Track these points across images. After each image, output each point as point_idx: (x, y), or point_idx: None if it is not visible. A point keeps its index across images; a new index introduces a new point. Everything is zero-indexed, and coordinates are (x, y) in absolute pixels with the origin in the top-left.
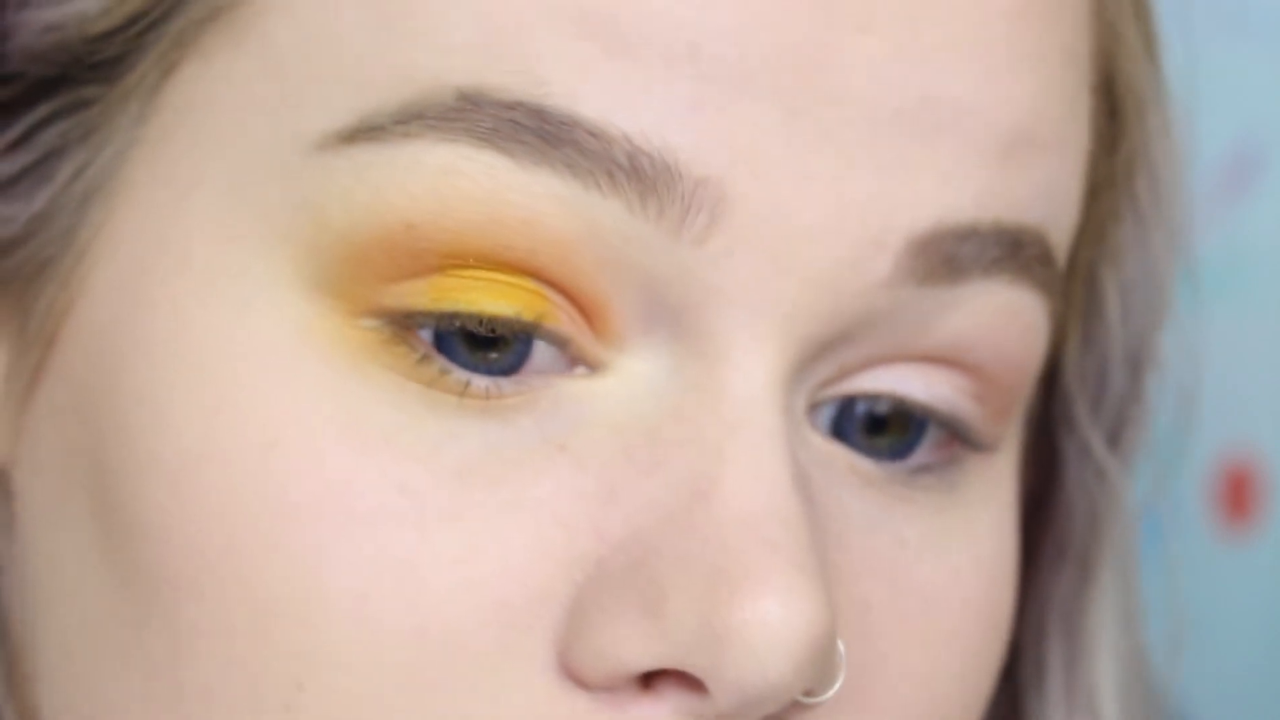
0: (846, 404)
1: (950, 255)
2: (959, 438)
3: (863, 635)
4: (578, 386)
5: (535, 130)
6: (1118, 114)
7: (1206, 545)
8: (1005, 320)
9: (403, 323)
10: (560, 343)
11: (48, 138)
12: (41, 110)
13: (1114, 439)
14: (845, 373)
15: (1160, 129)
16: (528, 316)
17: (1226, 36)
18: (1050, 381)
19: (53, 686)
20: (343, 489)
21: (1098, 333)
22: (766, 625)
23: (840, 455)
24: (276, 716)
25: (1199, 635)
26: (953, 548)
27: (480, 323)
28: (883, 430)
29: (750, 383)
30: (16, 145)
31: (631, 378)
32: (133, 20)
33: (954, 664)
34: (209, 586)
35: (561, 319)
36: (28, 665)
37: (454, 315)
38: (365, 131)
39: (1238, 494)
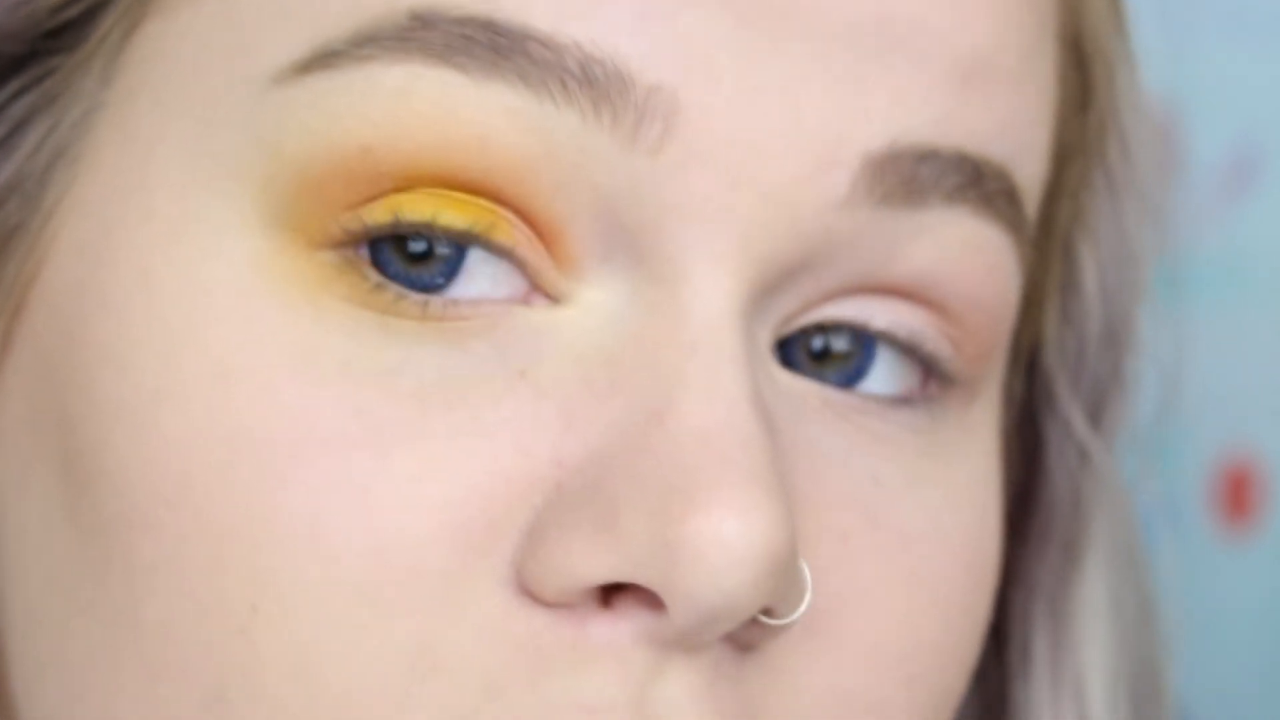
0: (800, 336)
1: (909, 176)
2: (927, 367)
3: (839, 564)
4: (538, 316)
5: (487, 43)
6: (1086, 72)
7: (1206, 545)
8: (970, 254)
9: (353, 249)
10: (518, 263)
11: (15, 111)
12: (11, 87)
13: (1095, 418)
14: (808, 305)
15: (1129, 94)
16: (478, 230)
17: (1226, 36)
18: (1032, 363)
19: (23, 654)
20: (298, 416)
21: (1075, 306)
22: (719, 536)
23: (812, 391)
24: (231, 641)
25: (1199, 635)
26: (930, 491)
27: (427, 230)
28: (828, 357)
29: (708, 304)
30: None
31: (591, 308)
32: None
33: (936, 607)
34: (166, 521)
35: (517, 237)
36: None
37: (398, 224)
38: (320, 59)
39: (1238, 494)
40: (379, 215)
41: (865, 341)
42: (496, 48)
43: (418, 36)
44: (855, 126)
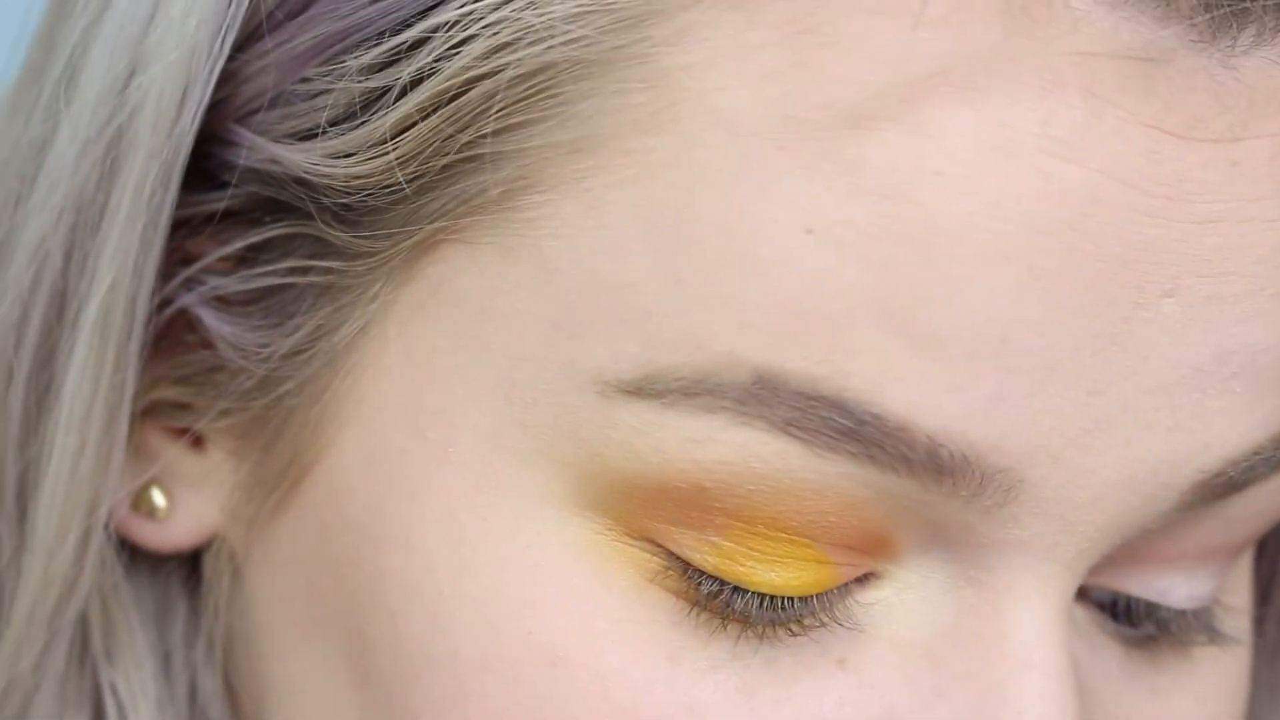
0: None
1: (1234, 481)
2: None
3: None
4: (857, 599)
5: (835, 424)
6: None
7: None
8: (1273, 501)
9: (683, 563)
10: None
11: (278, 266)
12: (268, 231)
13: None
14: (1116, 566)
15: None
16: (808, 586)
17: None
18: None
19: None
20: (631, 708)
21: None
22: None
23: (1101, 622)
24: None
25: None
26: (1197, 679)
27: (760, 591)
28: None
29: (1034, 619)
30: (241, 262)
31: (906, 588)
32: (388, 179)
33: None
34: None
35: (844, 573)
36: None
37: (735, 584)
38: (652, 391)
39: None
40: (704, 560)
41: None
42: (844, 430)
43: (761, 402)
44: (1191, 455)
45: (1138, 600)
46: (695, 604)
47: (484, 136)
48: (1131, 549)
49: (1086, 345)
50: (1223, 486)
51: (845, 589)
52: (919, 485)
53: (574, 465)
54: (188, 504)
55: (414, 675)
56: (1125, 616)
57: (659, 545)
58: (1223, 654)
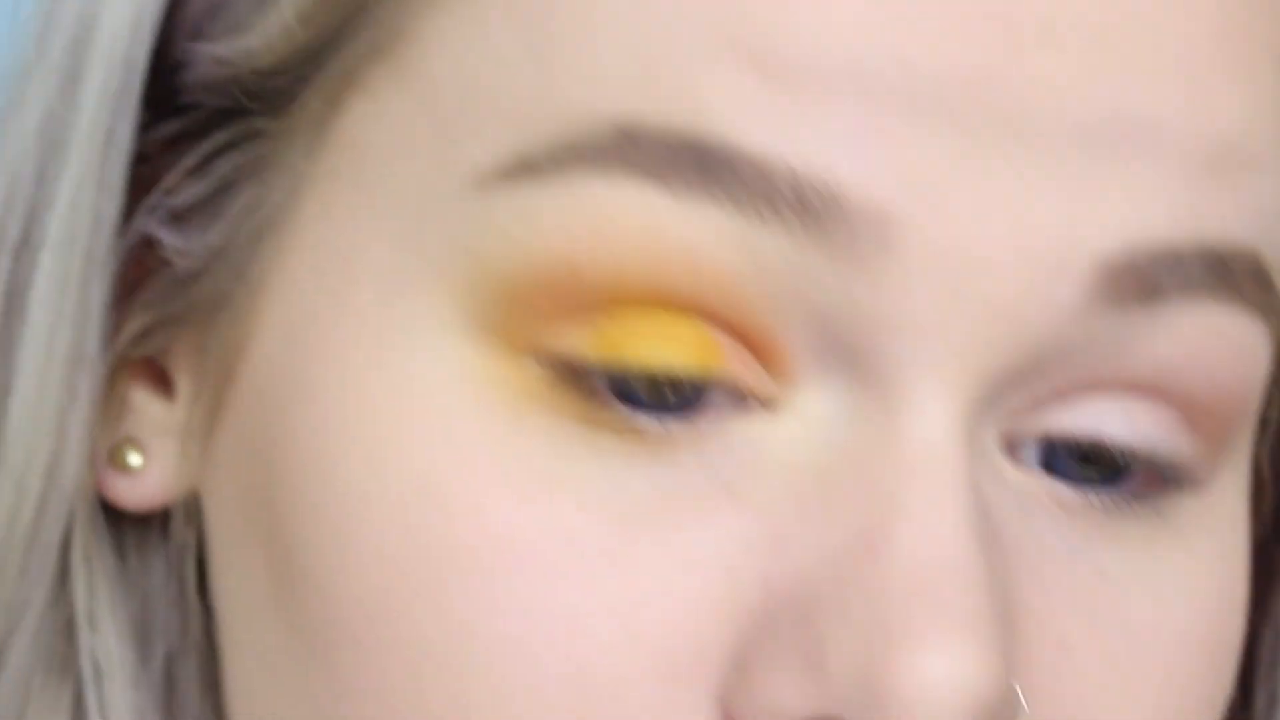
0: (1050, 444)
1: (1146, 278)
2: (1163, 476)
3: (1060, 675)
4: (750, 426)
5: (695, 164)
6: None
7: None
8: (1213, 343)
9: (566, 368)
10: (732, 384)
11: (221, 168)
12: (216, 139)
13: None
14: (1037, 402)
15: None
16: (693, 364)
17: None
18: None
19: (236, 703)
20: (503, 537)
21: None
22: (926, 685)
23: (1041, 486)
24: None
25: None
26: (1163, 580)
27: (645, 374)
28: (1093, 459)
29: (929, 424)
30: (193, 175)
31: (806, 417)
32: (296, 56)
33: (1168, 704)
34: (367, 633)
35: (733, 362)
36: (221, 674)
37: (620, 367)
38: (522, 169)
39: None
40: (587, 349)
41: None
42: (705, 169)
43: (622, 152)
44: (1087, 233)
45: (1075, 443)
46: (582, 421)
47: None
48: (1049, 377)
49: (953, 84)
50: (1135, 287)
51: (744, 414)
52: (790, 240)
53: (460, 279)
54: (160, 455)
55: (306, 527)
56: (1068, 468)
57: (544, 352)
58: (1195, 547)
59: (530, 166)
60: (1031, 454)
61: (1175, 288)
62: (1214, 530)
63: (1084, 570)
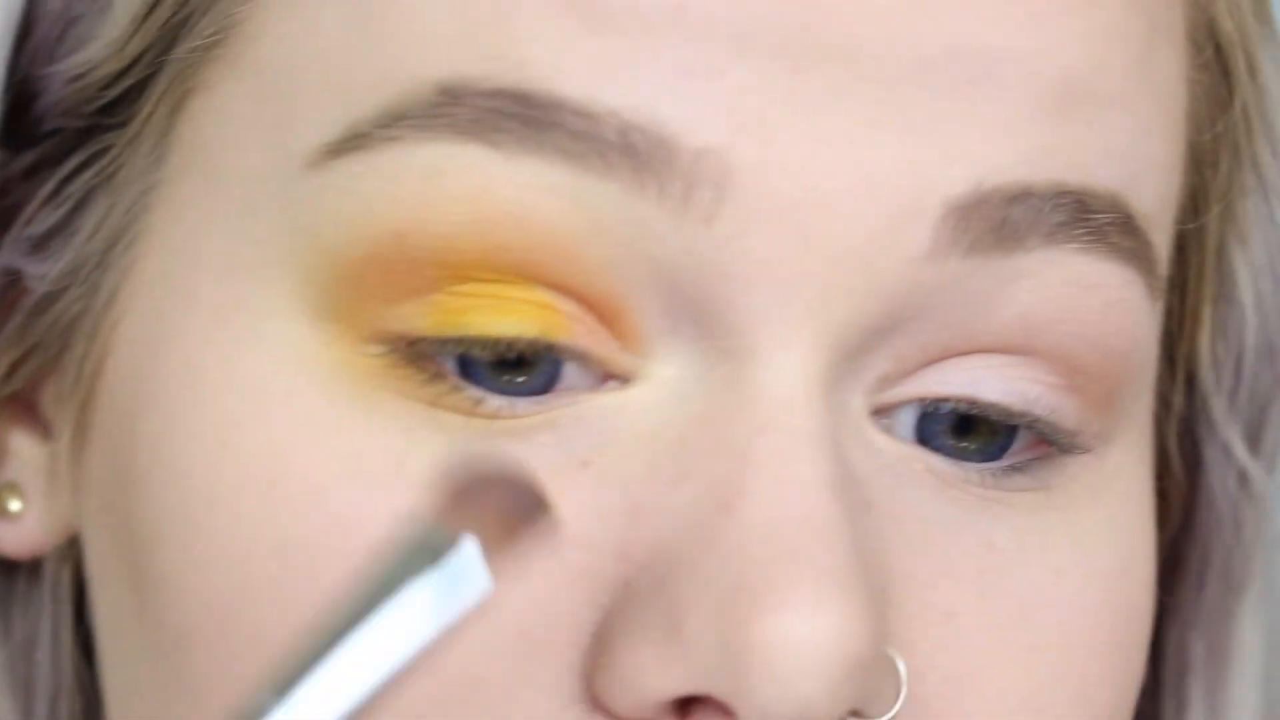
0: (928, 407)
1: (1000, 219)
2: (1046, 440)
3: (946, 646)
4: (606, 400)
5: (519, 117)
6: (1223, 66)
7: None
8: (1081, 294)
9: (410, 349)
10: (581, 357)
11: (75, 189)
12: (72, 162)
13: (1255, 438)
14: (906, 367)
15: (1277, 83)
16: (535, 332)
17: None
18: (1190, 378)
19: None
20: (349, 525)
21: (1230, 318)
22: (788, 643)
23: (916, 457)
24: None
25: None
26: (1055, 551)
27: (487, 347)
28: (971, 431)
29: (780, 378)
30: (49, 201)
31: (659, 383)
32: (134, 60)
33: (1065, 676)
34: (217, 637)
35: (576, 330)
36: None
37: (460, 341)
38: (351, 141)
39: None
40: (425, 325)
41: (1004, 425)
42: (529, 122)
43: (446, 112)
44: (934, 172)
45: (952, 409)
46: (428, 404)
47: None
48: (912, 335)
49: (781, 17)
50: (988, 229)
51: (600, 390)
52: (623, 192)
53: (297, 263)
54: (38, 497)
55: (157, 533)
56: (944, 443)
57: (385, 334)
58: (1088, 517)
59: (359, 137)
60: (907, 426)
61: (1033, 231)
62: (1108, 501)
63: (970, 542)
